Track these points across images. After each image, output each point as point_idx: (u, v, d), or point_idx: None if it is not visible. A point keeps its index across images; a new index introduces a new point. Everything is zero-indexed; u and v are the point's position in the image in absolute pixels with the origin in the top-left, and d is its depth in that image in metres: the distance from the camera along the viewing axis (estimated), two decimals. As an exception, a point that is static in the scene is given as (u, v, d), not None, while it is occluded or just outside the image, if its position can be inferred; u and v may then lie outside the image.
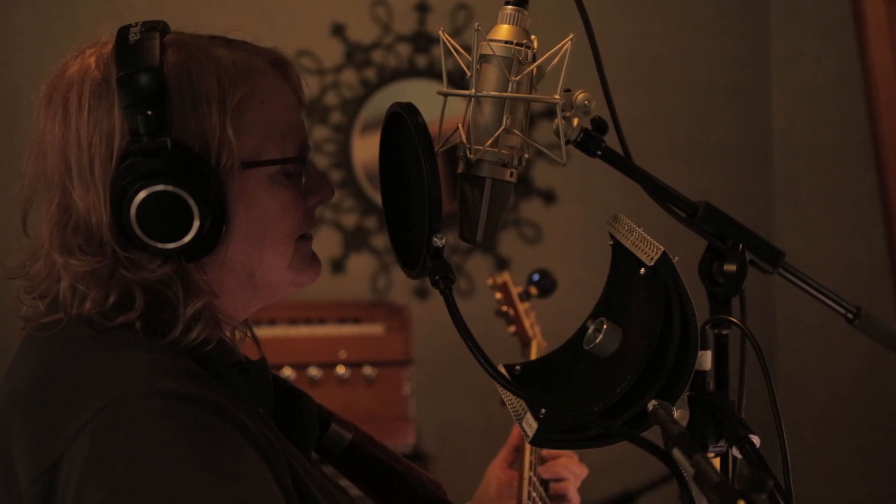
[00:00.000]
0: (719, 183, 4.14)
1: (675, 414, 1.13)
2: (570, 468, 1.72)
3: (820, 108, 4.22)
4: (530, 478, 1.65)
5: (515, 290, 2.21)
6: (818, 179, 4.22)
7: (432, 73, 4.08)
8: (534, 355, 2.03)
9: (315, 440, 1.43)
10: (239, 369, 1.28)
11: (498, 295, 2.21)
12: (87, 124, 1.22)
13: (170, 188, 1.21)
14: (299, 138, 1.32)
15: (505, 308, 2.19)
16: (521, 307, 2.18)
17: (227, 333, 1.34)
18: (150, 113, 1.20)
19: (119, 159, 1.21)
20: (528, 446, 1.70)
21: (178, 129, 1.22)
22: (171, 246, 1.22)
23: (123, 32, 1.26)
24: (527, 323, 2.15)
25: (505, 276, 2.23)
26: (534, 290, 2.23)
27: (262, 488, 1.12)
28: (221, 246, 1.25)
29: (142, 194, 1.20)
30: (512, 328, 2.17)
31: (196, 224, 1.22)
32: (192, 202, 1.22)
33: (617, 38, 4.03)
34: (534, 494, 1.63)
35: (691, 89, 4.23)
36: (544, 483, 1.69)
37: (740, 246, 1.27)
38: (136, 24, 1.27)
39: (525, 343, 2.13)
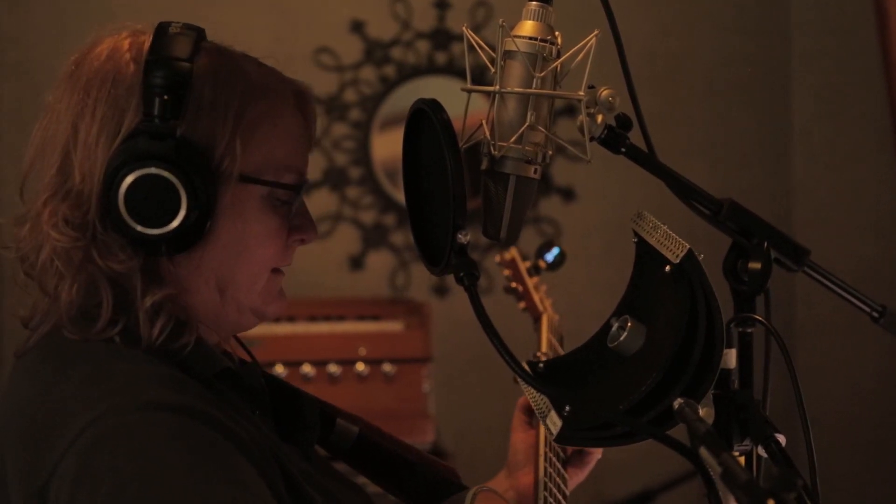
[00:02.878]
0: (738, 181, 4.12)
1: (701, 412, 1.12)
2: None
3: (840, 105, 4.20)
4: (546, 454, 1.64)
5: (524, 266, 2.18)
6: (838, 178, 4.20)
7: (451, 69, 4.08)
8: (545, 329, 2.00)
9: (317, 438, 1.43)
10: (228, 375, 1.29)
11: (506, 272, 2.18)
12: (106, 100, 1.24)
13: (164, 173, 1.22)
14: (300, 172, 1.33)
15: (514, 285, 2.16)
16: (530, 282, 2.15)
17: (213, 342, 1.34)
18: (167, 98, 1.22)
19: (124, 138, 1.23)
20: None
21: (190, 125, 1.23)
22: (150, 232, 1.23)
23: (164, 25, 1.28)
24: (536, 297, 2.12)
25: (513, 252, 2.20)
26: (542, 264, 2.20)
27: (250, 491, 1.12)
28: (199, 248, 1.26)
29: (135, 174, 1.22)
30: (522, 304, 2.14)
31: (181, 215, 1.23)
32: (182, 192, 1.22)
33: (636, 35, 4.02)
34: (550, 471, 1.62)
35: (711, 87, 4.21)
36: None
37: (765, 244, 1.26)
38: (179, 22, 1.29)
39: (536, 318, 2.09)
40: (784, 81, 4.24)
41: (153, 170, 1.21)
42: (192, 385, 1.21)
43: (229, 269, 1.29)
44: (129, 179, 1.22)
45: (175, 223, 1.23)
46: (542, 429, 1.67)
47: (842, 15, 4.18)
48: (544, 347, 1.92)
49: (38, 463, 1.14)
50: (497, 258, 2.23)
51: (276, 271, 1.34)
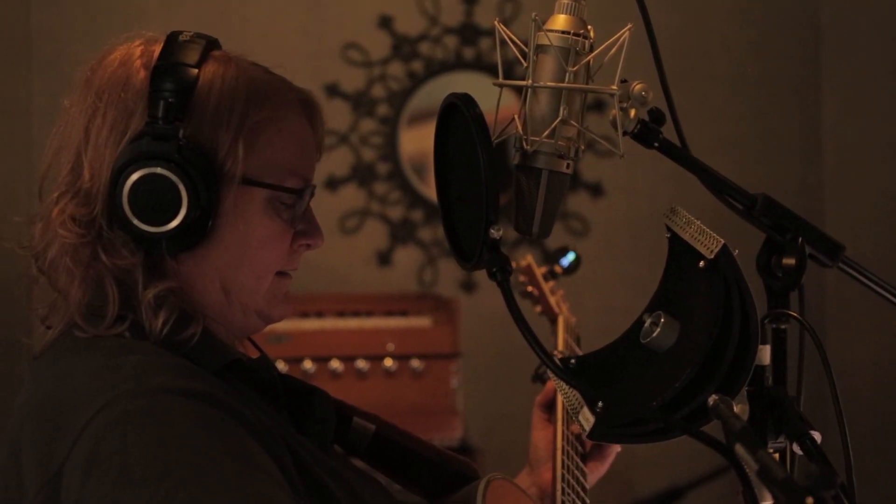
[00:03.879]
0: (769, 176, 4.10)
1: (735, 409, 1.11)
2: None
3: (871, 100, 4.16)
4: (563, 447, 1.65)
5: (539, 271, 2.22)
6: (869, 173, 4.17)
7: (479, 65, 4.07)
8: (561, 331, 2.04)
9: (333, 432, 1.45)
10: (240, 368, 1.31)
11: (522, 277, 2.22)
12: (116, 104, 1.29)
13: (165, 173, 1.25)
14: (304, 178, 1.36)
15: (530, 289, 2.20)
16: (546, 286, 2.20)
17: (222, 335, 1.35)
18: (171, 101, 1.26)
19: (130, 139, 1.27)
20: (559, 415, 1.70)
21: (194, 128, 1.27)
22: (152, 230, 1.26)
23: (175, 33, 1.33)
24: (552, 300, 2.16)
25: (528, 259, 2.25)
26: (558, 269, 2.24)
27: (258, 470, 1.15)
28: (201, 248, 1.29)
29: (138, 173, 1.25)
30: (538, 308, 2.18)
31: (182, 214, 1.26)
32: (183, 191, 1.26)
33: (663, 29, 3.99)
34: (569, 464, 1.63)
35: (741, 82, 4.19)
36: (578, 440, 1.70)
37: (800, 239, 1.25)
38: (190, 31, 1.34)
39: (552, 320, 2.13)
40: (814, 76, 4.21)
41: (155, 169, 1.25)
42: (201, 373, 1.24)
43: (233, 270, 1.32)
44: (133, 178, 1.25)
45: (176, 222, 1.26)
46: (559, 425, 1.69)
47: (872, 8, 4.14)
48: (560, 346, 1.96)
49: (51, 451, 1.17)
50: (513, 264, 2.25)
51: (281, 275, 1.37)
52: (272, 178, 1.32)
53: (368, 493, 1.36)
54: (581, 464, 1.65)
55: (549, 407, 1.74)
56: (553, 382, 1.32)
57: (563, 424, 1.69)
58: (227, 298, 1.33)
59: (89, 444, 1.14)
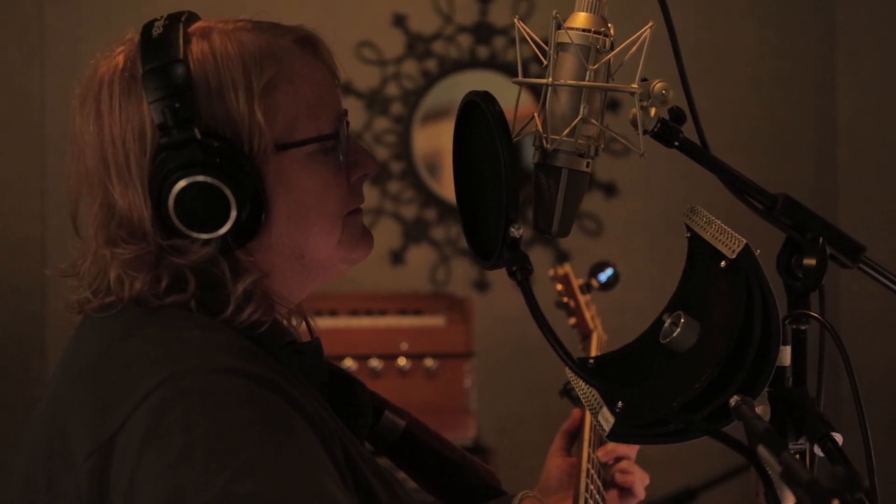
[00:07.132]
0: (783, 175, 4.09)
1: (756, 410, 1.11)
2: (635, 469, 1.69)
3: (886, 99, 4.15)
4: (588, 469, 1.64)
5: (577, 282, 2.19)
6: (884, 172, 4.16)
7: (494, 63, 4.07)
8: (594, 348, 2.01)
9: (368, 425, 1.43)
10: (293, 349, 1.29)
11: (559, 286, 2.19)
12: (120, 122, 1.24)
13: (203, 178, 1.21)
14: (334, 113, 1.31)
15: (566, 300, 2.17)
16: (582, 299, 2.16)
17: (283, 316, 1.34)
18: (177, 105, 1.21)
19: (153, 154, 1.22)
20: (586, 436, 1.68)
21: (208, 118, 1.22)
22: (211, 235, 1.23)
23: (148, 27, 1.27)
24: (587, 315, 2.13)
25: (566, 268, 2.21)
26: (595, 283, 2.21)
27: (318, 464, 1.13)
28: (264, 231, 1.26)
29: (177, 187, 1.21)
30: (572, 320, 2.15)
31: (234, 212, 1.23)
32: (227, 191, 1.22)
33: (681, 29, 3.98)
34: (591, 487, 1.61)
35: (755, 81, 4.18)
36: (603, 468, 1.68)
37: (821, 240, 1.24)
38: (161, 17, 1.28)
39: (585, 335, 2.11)
40: (828, 75, 4.20)
41: (191, 179, 1.21)
42: (262, 356, 1.21)
43: (300, 236, 1.28)
44: (173, 195, 1.22)
45: (230, 221, 1.23)
46: (585, 446, 1.66)
47: (887, 7, 4.13)
48: None
49: (106, 417, 1.14)
50: (550, 272, 2.23)
51: (352, 213, 1.33)
52: (303, 132, 1.27)
53: (405, 495, 1.34)
54: (602, 490, 1.63)
55: (573, 437, 1.71)
56: (573, 382, 1.31)
57: (589, 447, 1.66)
58: (301, 263, 1.30)
59: (150, 416, 1.11)
